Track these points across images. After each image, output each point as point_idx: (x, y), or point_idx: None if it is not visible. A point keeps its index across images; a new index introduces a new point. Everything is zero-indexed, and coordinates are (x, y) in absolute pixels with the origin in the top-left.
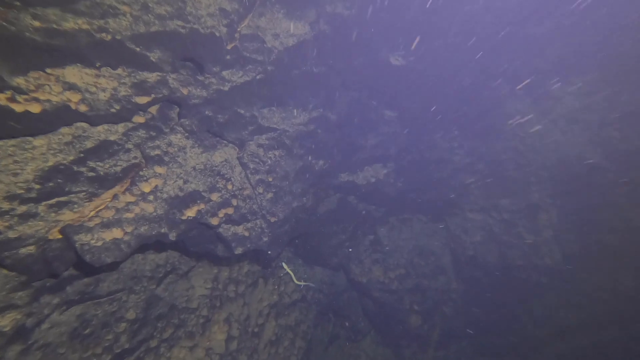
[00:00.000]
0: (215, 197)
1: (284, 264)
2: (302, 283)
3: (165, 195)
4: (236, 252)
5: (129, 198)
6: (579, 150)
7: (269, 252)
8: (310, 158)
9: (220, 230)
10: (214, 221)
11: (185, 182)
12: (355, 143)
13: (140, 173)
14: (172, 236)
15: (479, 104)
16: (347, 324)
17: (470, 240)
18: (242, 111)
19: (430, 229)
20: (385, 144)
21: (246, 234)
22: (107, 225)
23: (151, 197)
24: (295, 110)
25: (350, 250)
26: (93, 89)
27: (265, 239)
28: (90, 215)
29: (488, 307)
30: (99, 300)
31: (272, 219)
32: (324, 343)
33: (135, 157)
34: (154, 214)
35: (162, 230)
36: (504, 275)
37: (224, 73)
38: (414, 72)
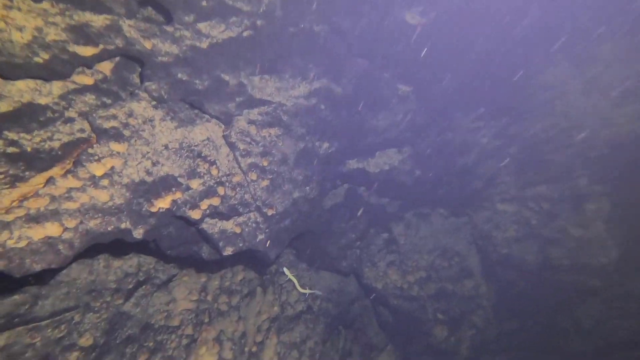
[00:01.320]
0: (195, 184)
1: (285, 269)
2: (307, 291)
3: (126, 180)
4: (225, 254)
5: (72, 183)
6: (635, 126)
7: (268, 254)
8: (312, 139)
9: (204, 226)
10: (195, 215)
11: (154, 164)
12: (365, 123)
13: (90, 151)
14: (138, 233)
15: (510, 74)
16: (360, 338)
17: (503, 236)
18: (227, 77)
19: (452, 225)
20: (400, 125)
21: (237, 230)
22: (35, 218)
23: (105, 182)
24: (293, 80)
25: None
26: (0, 25)
27: (261, 237)
28: (10, 206)
29: (525, 316)
30: (37, 325)
31: (269, 212)
32: None
33: (82, 130)
34: (110, 204)
35: (123, 226)
36: (546, 277)
37: (201, 25)
38: (434, 34)
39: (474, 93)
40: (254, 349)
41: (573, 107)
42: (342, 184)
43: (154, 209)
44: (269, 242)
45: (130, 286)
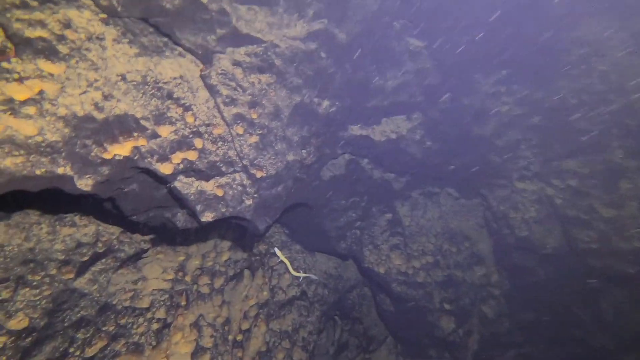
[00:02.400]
0: (165, 131)
1: (276, 250)
2: (301, 274)
3: (63, 112)
4: (204, 220)
5: None
6: None
7: (256, 224)
8: (311, 94)
9: (178, 185)
10: (166, 169)
11: (106, 97)
12: (370, 82)
13: (5, 65)
14: (85, 184)
15: (540, 29)
16: (358, 329)
17: (522, 217)
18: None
19: (463, 206)
20: (410, 87)
21: (219, 193)
22: None
23: (30, 110)
24: (288, 17)
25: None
26: None
27: (248, 203)
28: None
29: (542, 307)
30: None
31: (258, 174)
32: (328, 354)
33: None
34: (38, 139)
35: (60, 171)
36: (568, 263)
37: None
38: None
39: (496, 52)
40: (239, 337)
41: (613, 67)
42: (343, 154)
43: (107, 156)
44: (257, 210)
45: (85, 258)
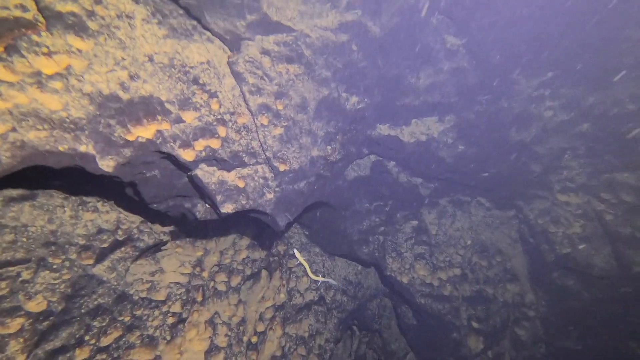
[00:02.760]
0: (189, 116)
1: (295, 251)
2: (320, 278)
3: (89, 89)
4: (223, 211)
5: (2, 74)
6: None
7: (277, 219)
8: (339, 88)
9: (199, 173)
10: (188, 155)
11: (132, 77)
12: (402, 79)
13: (36, 39)
14: (107, 165)
15: (594, 23)
16: (376, 341)
17: (564, 232)
18: None
19: (495, 217)
20: (445, 87)
21: (240, 184)
22: None
23: (57, 85)
24: (320, 6)
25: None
26: None
27: (269, 196)
28: None
29: (585, 334)
30: None
31: (282, 167)
32: None
33: (23, 7)
34: (63, 114)
35: (82, 149)
36: (619, 287)
37: None
38: None
39: (542, 52)
40: (254, 339)
41: None
42: (369, 154)
43: (130, 137)
44: (279, 205)
45: (105, 245)
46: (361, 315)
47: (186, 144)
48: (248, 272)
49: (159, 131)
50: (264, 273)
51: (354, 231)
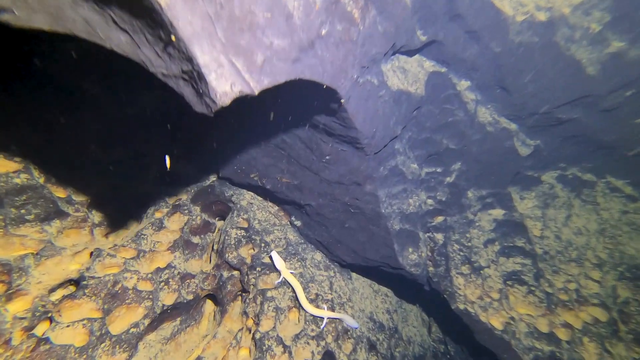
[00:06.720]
0: None
1: (274, 256)
2: (325, 314)
3: None
4: None
5: None
6: None
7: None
8: None
9: None
10: None
11: None
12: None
13: None
14: None
15: None
16: None
17: None
18: None
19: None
20: None
21: None
22: None
23: None
24: None
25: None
26: None
27: None
28: None
29: None
30: None
31: None
32: None
33: None
34: None
35: None
36: None
37: None
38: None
39: None
40: None
41: None
42: (429, 44)
43: None
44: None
45: None
46: None
47: None
48: (166, 300)
49: None
50: (207, 306)
51: (393, 212)
